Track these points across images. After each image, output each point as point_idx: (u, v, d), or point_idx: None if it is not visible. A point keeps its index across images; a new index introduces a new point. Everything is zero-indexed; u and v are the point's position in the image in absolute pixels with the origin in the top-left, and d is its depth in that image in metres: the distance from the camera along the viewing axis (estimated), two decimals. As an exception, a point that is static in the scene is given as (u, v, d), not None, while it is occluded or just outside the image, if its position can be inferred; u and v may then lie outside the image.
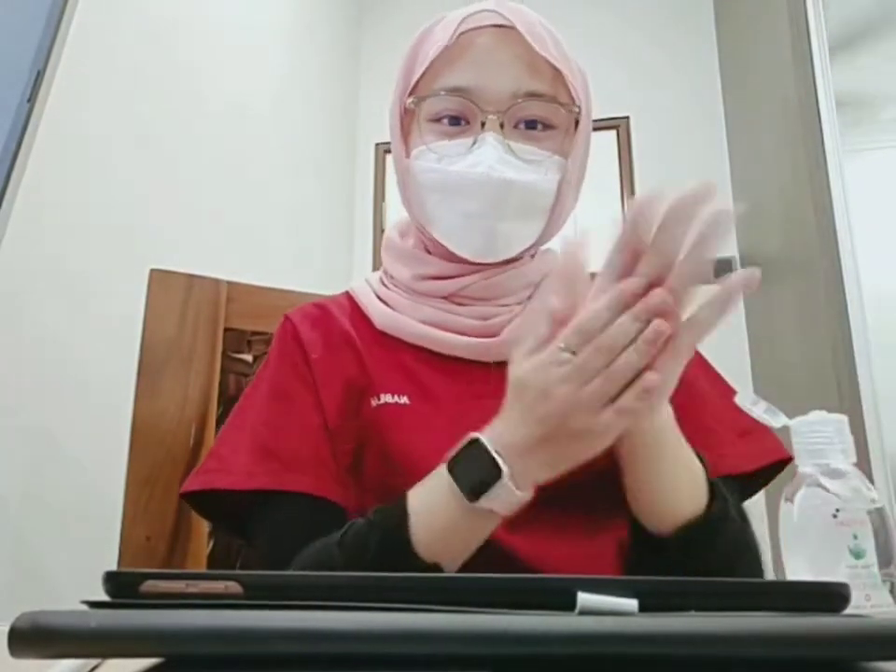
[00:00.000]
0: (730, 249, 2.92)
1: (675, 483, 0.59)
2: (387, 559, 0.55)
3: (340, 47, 3.27)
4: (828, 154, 2.02)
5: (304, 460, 0.67)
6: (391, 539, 0.56)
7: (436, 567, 0.55)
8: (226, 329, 0.90)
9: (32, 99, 1.37)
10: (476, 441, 0.54)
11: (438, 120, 0.70)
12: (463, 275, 0.72)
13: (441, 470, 0.55)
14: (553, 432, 0.52)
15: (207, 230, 2.03)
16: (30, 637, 0.27)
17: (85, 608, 0.29)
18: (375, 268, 3.12)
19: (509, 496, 0.53)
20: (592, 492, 0.62)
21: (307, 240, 2.75)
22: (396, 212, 3.22)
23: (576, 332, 0.50)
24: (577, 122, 0.72)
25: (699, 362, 0.77)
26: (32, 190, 1.38)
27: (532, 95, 0.68)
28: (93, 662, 0.34)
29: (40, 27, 1.40)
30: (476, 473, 0.53)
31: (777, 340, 2.50)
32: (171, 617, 0.28)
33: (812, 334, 2.12)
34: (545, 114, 0.69)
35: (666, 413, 0.58)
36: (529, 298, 0.73)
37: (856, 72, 2.69)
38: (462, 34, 0.69)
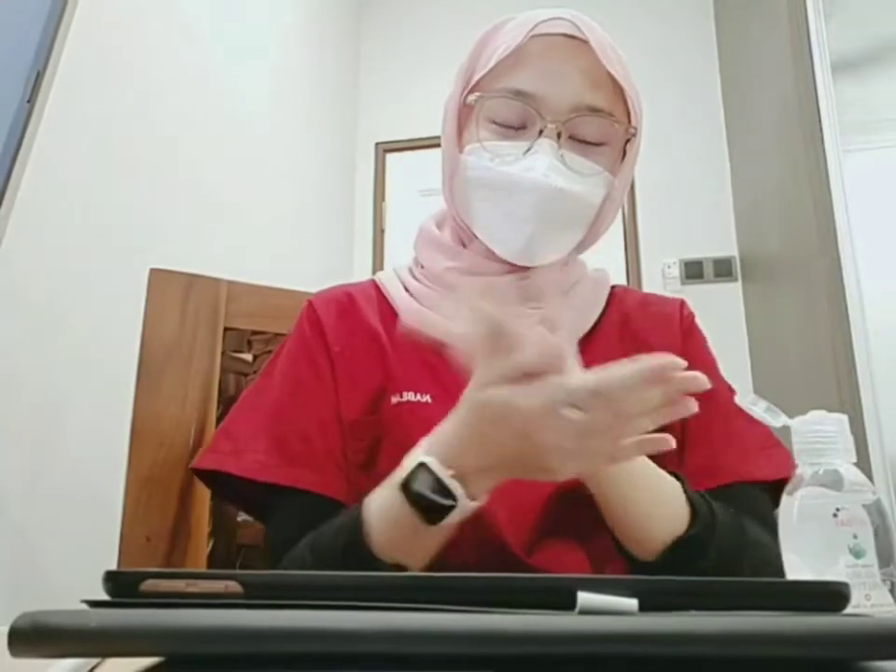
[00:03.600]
0: (730, 249, 2.93)
1: (646, 519, 0.60)
2: (353, 565, 0.56)
3: (340, 47, 3.27)
4: (828, 153, 2.02)
5: (316, 456, 0.67)
6: (354, 548, 0.57)
7: (401, 568, 0.56)
8: (226, 329, 0.90)
9: (32, 99, 1.37)
10: (425, 466, 0.53)
11: (496, 120, 0.70)
12: (495, 274, 0.72)
13: (396, 488, 0.55)
14: (516, 463, 0.53)
15: (207, 230, 2.03)
16: (30, 637, 0.27)
17: (85, 607, 0.29)
18: (375, 268, 3.11)
19: (463, 510, 0.53)
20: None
21: (307, 240, 2.75)
22: (396, 212, 3.25)
23: (593, 394, 0.49)
24: (628, 141, 0.73)
25: (718, 377, 0.76)
26: (32, 190, 1.38)
27: (592, 110, 0.69)
28: (93, 661, 0.34)
29: (40, 27, 1.41)
30: (430, 499, 0.53)
31: (777, 339, 2.49)
32: (171, 616, 0.28)
33: (812, 334, 2.12)
34: (601, 129, 0.70)
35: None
36: None
37: (859, 81, 2.69)
38: (533, 37, 0.69)
